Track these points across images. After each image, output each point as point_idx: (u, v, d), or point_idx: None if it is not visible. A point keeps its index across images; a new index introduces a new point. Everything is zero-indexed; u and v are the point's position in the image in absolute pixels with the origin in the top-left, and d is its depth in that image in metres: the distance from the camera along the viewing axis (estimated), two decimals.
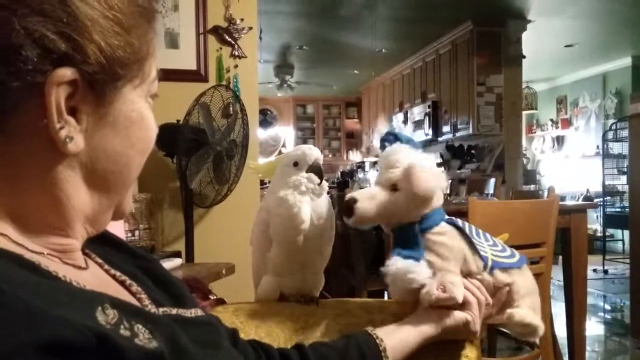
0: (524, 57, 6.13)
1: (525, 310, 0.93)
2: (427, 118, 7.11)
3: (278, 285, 1.02)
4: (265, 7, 4.88)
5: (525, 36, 6.07)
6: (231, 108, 2.32)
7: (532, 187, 7.70)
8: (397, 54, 7.57)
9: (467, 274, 0.91)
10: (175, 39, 2.40)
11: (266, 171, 1.08)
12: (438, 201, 0.93)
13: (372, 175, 8.79)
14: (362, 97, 10.58)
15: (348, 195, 0.95)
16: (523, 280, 0.95)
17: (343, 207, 0.94)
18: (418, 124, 7.38)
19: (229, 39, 2.48)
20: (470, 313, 0.86)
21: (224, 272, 1.94)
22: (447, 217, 0.95)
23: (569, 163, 8.60)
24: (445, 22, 6.17)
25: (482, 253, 0.92)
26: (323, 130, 11.23)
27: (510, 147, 6.09)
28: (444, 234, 0.91)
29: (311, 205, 0.96)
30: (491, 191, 4.67)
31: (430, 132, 7.01)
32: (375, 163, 9.01)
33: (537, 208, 2.24)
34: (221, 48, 2.49)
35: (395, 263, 0.88)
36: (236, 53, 2.49)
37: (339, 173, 9.61)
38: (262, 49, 5.94)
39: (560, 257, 2.77)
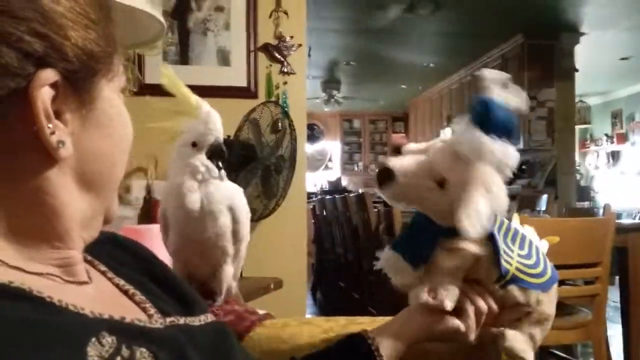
0: (577, 70, 5.99)
1: (521, 338, 0.83)
2: None
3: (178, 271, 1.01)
4: (314, 25, 4.95)
5: (578, 49, 5.93)
6: (280, 124, 2.35)
7: (587, 204, 7.46)
8: (445, 69, 7.52)
9: (472, 281, 0.82)
10: (227, 56, 2.46)
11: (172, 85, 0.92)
12: None
13: None
14: (409, 111, 10.54)
15: (387, 164, 0.78)
16: (542, 305, 0.84)
17: (377, 174, 0.80)
18: None
19: (279, 56, 2.52)
20: (464, 322, 0.81)
21: (272, 286, 1.96)
22: None
23: (624, 179, 8.30)
24: (495, 36, 6.10)
25: (503, 264, 0.80)
26: (370, 145, 11.23)
27: (563, 162, 5.94)
28: (467, 239, 0.78)
29: (205, 192, 0.95)
30: (543, 208, 4.55)
31: None
32: None
33: (592, 226, 2.17)
34: (271, 65, 2.53)
35: (391, 261, 0.82)
36: (285, 70, 2.53)
37: None
38: (310, 65, 6.01)
39: (617, 277, 2.68)
